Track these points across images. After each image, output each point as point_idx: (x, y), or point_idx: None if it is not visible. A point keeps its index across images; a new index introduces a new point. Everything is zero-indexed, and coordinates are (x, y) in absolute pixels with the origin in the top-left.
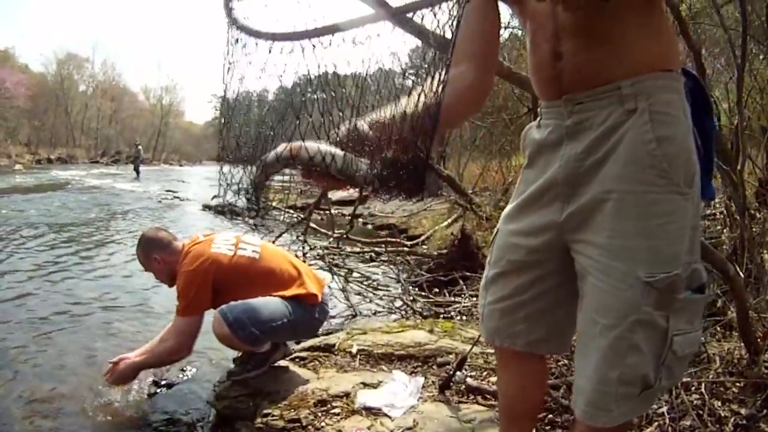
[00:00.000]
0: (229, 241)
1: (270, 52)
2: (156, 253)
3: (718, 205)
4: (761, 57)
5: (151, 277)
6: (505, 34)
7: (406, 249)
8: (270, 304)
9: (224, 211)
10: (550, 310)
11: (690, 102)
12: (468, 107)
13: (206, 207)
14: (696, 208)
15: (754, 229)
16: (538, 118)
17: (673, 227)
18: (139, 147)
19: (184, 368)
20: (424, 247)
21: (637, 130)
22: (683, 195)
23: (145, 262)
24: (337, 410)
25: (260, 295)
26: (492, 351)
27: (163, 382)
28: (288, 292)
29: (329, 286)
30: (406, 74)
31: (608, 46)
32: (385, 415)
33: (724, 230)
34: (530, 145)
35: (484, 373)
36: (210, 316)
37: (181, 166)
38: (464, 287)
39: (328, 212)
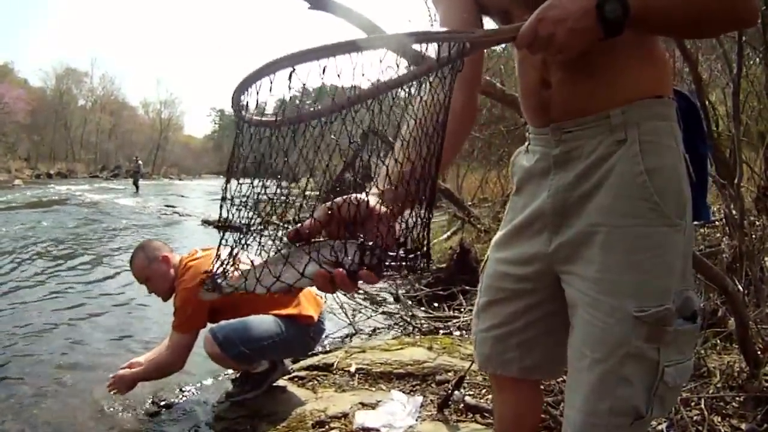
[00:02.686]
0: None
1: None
2: (154, 266)
3: (717, 213)
4: (757, 61)
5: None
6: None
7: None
8: (263, 323)
9: (225, 226)
10: (542, 338)
11: (683, 125)
12: (465, 129)
13: (206, 222)
14: (688, 237)
15: (753, 237)
16: (527, 143)
17: (664, 260)
18: (139, 161)
19: (183, 389)
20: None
21: (627, 162)
22: (674, 227)
23: (141, 275)
24: (335, 431)
25: (259, 313)
26: None
27: (162, 403)
28: (284, 312)
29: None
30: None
31: (597, 75)
32: None
33: (724, 238)
34: (519, 171)
35: (483, 391)
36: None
37: (180, 180)
38: (463, 302)
39: None
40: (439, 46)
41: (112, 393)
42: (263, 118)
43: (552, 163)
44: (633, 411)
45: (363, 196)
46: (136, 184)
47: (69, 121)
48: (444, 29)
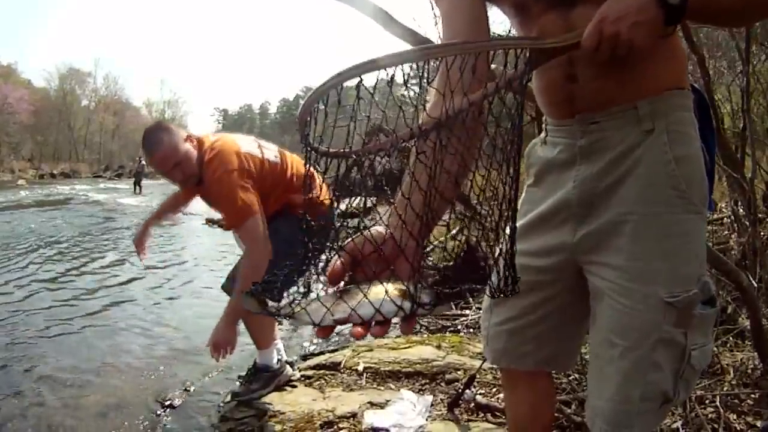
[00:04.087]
0: (252, 143)
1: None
2: (183, 146)
3: (724, 210)
4: (763, 58)
5: (162, 294)
6: None
7: None
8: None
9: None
10: (559, 329)
11: (697, 117)
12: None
13: (209, 221)
14: (705, 224)
15: (762, 234)
16: (543, 135)
17: (691, 246)
18: (143, 161)
19: (188, 389)
20: (430, 258)
21: (655, 151)
22: (699, 214)
23: (170, 161)
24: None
25: (286, 196)
26: None
27: (167, 403)
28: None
29: None
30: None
31: (625, 69)
32: None
33: (732, 235)
34: (537, 163)
35: (494, 390)
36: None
37: None
38: (470, 299)
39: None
40: (505, 55)
41: (223, 358)
42: (347, 150)
43: (577, 154)
44: (662, 395)
45: (381, 229)
46: (138, 184)
47: (72, 121)
48: (508, 36)
